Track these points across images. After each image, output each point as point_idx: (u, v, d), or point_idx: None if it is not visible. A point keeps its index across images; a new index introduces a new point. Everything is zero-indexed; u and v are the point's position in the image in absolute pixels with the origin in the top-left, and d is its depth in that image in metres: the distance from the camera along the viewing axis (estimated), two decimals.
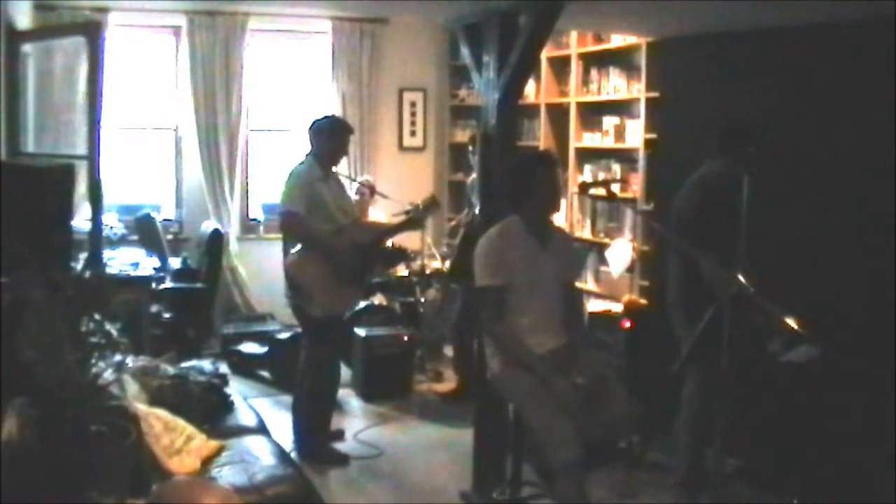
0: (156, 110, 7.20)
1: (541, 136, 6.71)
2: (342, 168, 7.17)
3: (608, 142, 6.17)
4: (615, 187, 4.51)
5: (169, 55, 7.12)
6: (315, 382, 4.69)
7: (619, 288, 5.90)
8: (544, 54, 6.36)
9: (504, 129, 4.20)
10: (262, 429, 3.64)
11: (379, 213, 6.45)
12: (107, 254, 5.45)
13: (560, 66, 6.66)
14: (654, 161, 5.64)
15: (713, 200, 3.94)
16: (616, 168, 6.07)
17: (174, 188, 7.27)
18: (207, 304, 6.50)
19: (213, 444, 3.08)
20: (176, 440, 2.91)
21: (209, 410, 3.53)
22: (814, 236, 4.34)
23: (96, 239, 4.86)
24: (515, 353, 3.51)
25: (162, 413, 3.03)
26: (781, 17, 4.29)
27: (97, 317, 2.15)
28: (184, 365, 3.91)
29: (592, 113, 6.40)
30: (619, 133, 6.07)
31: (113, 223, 6.28)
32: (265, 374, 6.22)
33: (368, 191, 6.16)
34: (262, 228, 7.37)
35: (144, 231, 6.39)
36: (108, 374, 2.15)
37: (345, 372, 5.37)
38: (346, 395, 5.73)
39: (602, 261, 6.08)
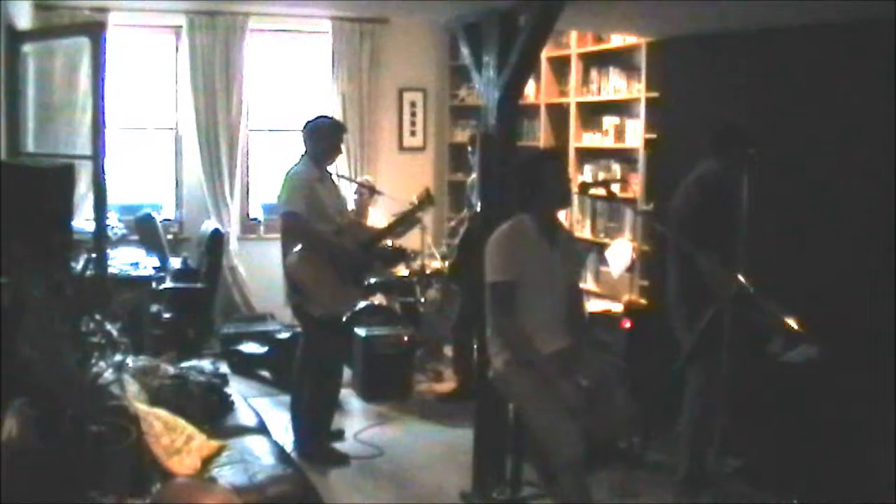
0: (156, 110, 7.20)
1: (541, 136, 6.71)
2: (342, 168, 7.23)
3: (608, 142, 6.17)
4: (615, 187, 4.51)
5: (169, 55, 7.11)
6: (316, 382, 4.69)
7: (619, 288, 5.90)
8: (544, 54, 6.36)
9: (504, 129, 4.20)
10: (262, 429, 3.64)
11: (379, 212, 6.45)
12: (107, 254, 5.44)
13: (560, 66, 6.66)
14: (654, 161, 5.64)
15: (709, 200, 3.94)
16: (616, 168, 6.07)
17: (174, 188, 7.27)
18: (207, 304, 6.50)
19: (214, 444, 3.08)
20: (176, 440, 2.91)
21: (209, 410, 3.53)
22: (814, 236, 4.34)
23: (100, 239, 4.86)
24: (522, 351, 3.50)
25: (162, 413, 3.03)
26: (781, 17, 4.29)
27: (97, 317, 2.15)
28: (184, 365, 3.91)
29: (592, 113, 6.40)
30: (619, 133, 6.07)
31: (113, 223, 6.29)
32: (265, 374, 6.22)
33: (368, 191, 6.17)
34: (262, 228, 7.36)
35: (144, 231, 6.39)
36: (108, 374, 2.16)
37: (345, 372, 5.36)
38: (346, 395, 5.72)
39: (602, 261, 6.08)
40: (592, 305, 5.90)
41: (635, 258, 5.77)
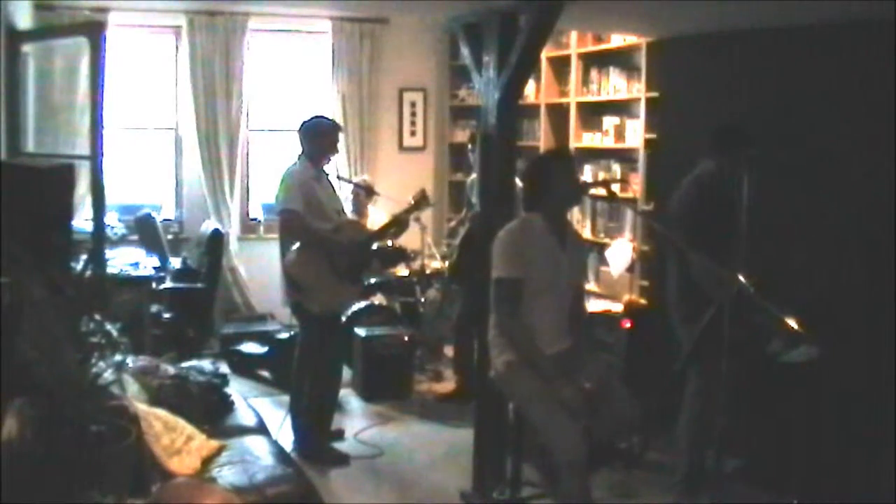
0: (156, 110, 7.20)
1: (541, 136, 6.71)
2: (342, 168, 7.24)
3: (608, 142, 6.17)
4: (615, 187, 4.51)
5: (169, 55, 7.11)
6: (316, 381, 4.69)
7: (619, 288, 5.90)
8: (544, 54, 6.36)
9: (504, 129, 4.20)
10: (262, 429, 3.64)
11: (379, 212, 6.45)
12: (107, 254, 5.45)
13: (560, 66, 6.66)
14: (654, 161, 5.64)
15: (708, 200, 3.94)
16: (616, 168, 6.07)
17: (174, 188, 7.27)
18: (207, 304, 6.50)
19: (213, 444, 3.08)
20: (176, 440, 2.91)
21: (209, 410, 3.53)
22: (814, 236, 4.34)
23: (99, 239, 4.86)
24: (526, 351, 3.50)
25: (162, 413, 3.03)
26: (781, 17, 4.29)
27: (97, 317, 2.15)
28: (184, 365, 3.91)
29: (592, 113, 6.40)
30: (619, 133, 6.07)
31: (113, 223, 6.29)
32: (265, 374, 6.22)
33: (364, 191, 6.18)
34: (262, 228, 7.37)
35: (144, 231, 6.40)
36: (108, 374, 2.16)
37: (345, 372, 5.36)
38: (346, 395, 5.73)
39: (602, 261, 6.08)
40: (592, 305, 5.90)
41: (635, 258, 5.77)
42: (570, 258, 3.64)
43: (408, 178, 7.12)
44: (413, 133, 7.85)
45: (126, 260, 5.86)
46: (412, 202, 5.03)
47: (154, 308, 5.97)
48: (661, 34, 5.38)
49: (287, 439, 4.64)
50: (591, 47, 6.28)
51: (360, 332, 5.88)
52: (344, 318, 5.78)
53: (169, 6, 6.73)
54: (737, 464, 4.37)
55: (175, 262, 6.37)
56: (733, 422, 3.90)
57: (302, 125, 4.69)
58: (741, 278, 3.42)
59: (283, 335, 6.11)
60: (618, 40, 6.00)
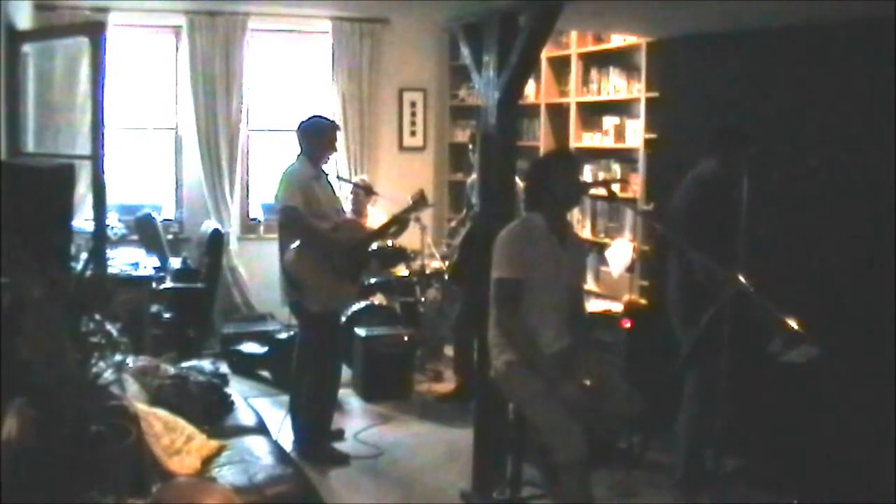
0: (156, 110, 7.20)
1: (541, 136, 6.71)
2: (342, 168, 7.24)
3: (608, 142, 6.17)
4: (615, 187, 4.51)
5: (169, 55, 7.12)
6: (315, 381, 4.70)
7: (619, 288, 5.90)
8: (544, 54, 6.36)
9: (504, 129, 4.20)
10: (262, 429, 3.64)
11: (379, 212, 6.45)
12: (107, 254, 5.45)
13: (560, 66, 6.66)
14: (654, 161, 5.64)
15: (708, 200, 3.94)
16: (616, 168, 6.07)
17: (174, 188, 7.27)
18: (207, 304, 6.50)
19: (213, 444, 3.08)
20: (176, 440, 2.91)
21: (209, 410, 3.53)
22: (814, 236, 4.34)
23: (100, 239, 4.87)
24: (525, 351, 3.50)
25: (162, 413, 3.03)
26: (781, 17, 4.29)
27: (97, 317, 2.15)
28: (184, 365, 3.91)
29: (592, 113, 6.40)
30: (619, 133, 6.07)
31: (113, 223, 6.29)
32: (265, 374, 6.22)
33: (363, 191, 6.18)
34: (262, 228, 7.37)
35: (144, 231, 6.40)
36: (108, 374, 2.16)
37: (345, 372, 5.37)
38: (346, 395, 5.73)
39: (602, 261, 6.08)
40: (592, 305, 5.90)
41: (635, 258, 5.77)
42: (570, 258, 3.64)
43: (408, 178, 7.12)
44: (413, 133, 7.85)
45: (126, 260, 5.86)
46: (411, 202, 5.04)
47: (154, 308, 5.98)
48: (661, 34, 5.38)
49: (287, 439, 4.64)
50: (591, 47, 6.28)
51: (360, 332, 5.88)
52: (344, 318, 5.79)
53: (169, 6, 6.73)
54: (737, 464, 4.37)
55: (175, 262, 6.37)
56: (733, 422, 3.90)
57: (300, 125, 4.71)
58: (741, 278, 3.42)
59: (283, 335, 6.11)
60: (618, 40, 6.00)
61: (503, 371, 3.59)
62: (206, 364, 4.10)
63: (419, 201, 5.03)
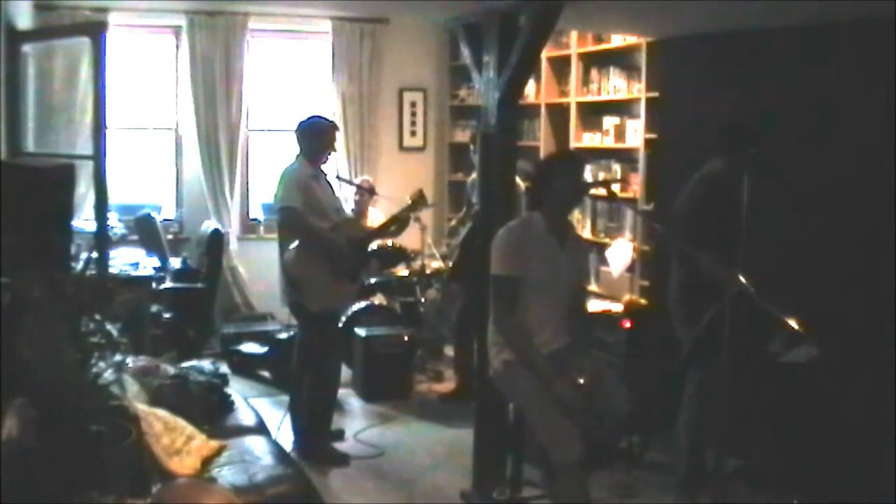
0: (156, 110, 7.20)
1: (541, 136, 6.71)
2: (342, 168, 7.24)
3: (608, 142, 6.17)
4: (615, 187, 4.51)
5: (169, 55, 7.12)
6: (315, 381, 4.70)
7: (619, 288, 5.90)
8: (544, 54, 6.35)
9: (504, 129, 4.20)
10: (262, 429, 3.64)
11: (380, 212, 6.46)
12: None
13: (560, 66, 6.66)
14: (654, 161, 5.64)
15: (715, 200, 3.94)
16: (616, 168, 6.07)
17: (174, 188, 7.28)
18: (207, 304, 6.50)
19: (214, 444, 3.08)
20: (176, 440, 2.91)
21: (209, 410, 3.53)
22: (814, 236, 4.34)
23: (102, 239, 4.87)
24: (521, 349, 3.50)
25: (162, 413, 3.03)
26: (781, 17, 4.29)
27: (97, 317, 2.15)
28: (184, 365, 3.91)
29: (592, 113, 6.40)
30: (619, 133, 6.07)
31: (113, 223, 6.29)
32: (265, 374, 6.22)
33: (367, 191, 6.19)
34: (262, 228, 7.37)
35: (144, 231, 6.39)
36: (108, 374, 2.15)
37: (345, 372, 5.37)
38: (346, 395, 5.73)
39: (602, 261, 6.08)
40: (592, 305, 5.90)
41: (635, 258, 5.77)
42: (570, 258, 3.64)
43: (408, 178, 7.12)
44: (413, 133, 7.85)
45: (126, 260, 5.86)
46: (410, 202, 5.04)
47: (154, 308, 5.98)
48: (661, 34, 5.37)
49: (287, 439, 4.64)
50: (591, 47, 6.28)
51: (360, 332, 5.88)
52: (344, 318, 5.80)
53: (169, 6, 6.73)
54: (737, 464, 4.37)
55: (175, 262, 6.37)
56: (733, 422, 3.90)
57: (299, 125, 4.72)
58: (741, 278, 3.42)
59: (283, 335, 6.11)
60: (618, 40, 6.00)
61: (501, 370, 3.60)
62: (206, 364, 4.10)
63: (418, 201, 5.03)
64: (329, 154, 4.80)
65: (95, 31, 4.92)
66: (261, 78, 7.36)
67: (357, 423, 5.39)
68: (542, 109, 6.71)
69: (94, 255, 4.61)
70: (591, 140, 6.34)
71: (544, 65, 6.65)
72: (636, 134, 5.87)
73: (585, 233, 6.33)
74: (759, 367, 3.90)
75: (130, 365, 3.32)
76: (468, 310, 5.50)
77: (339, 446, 4.90)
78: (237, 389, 4.15)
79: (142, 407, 2.93)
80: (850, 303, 4.14)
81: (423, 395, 5.97)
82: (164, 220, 6.99)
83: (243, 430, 3.50)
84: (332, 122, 4.93)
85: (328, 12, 7.16)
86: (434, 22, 7.18)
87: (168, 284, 6.17)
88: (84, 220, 6.09)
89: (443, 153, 7.95)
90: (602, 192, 4.24)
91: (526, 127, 6.90)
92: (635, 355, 5.02)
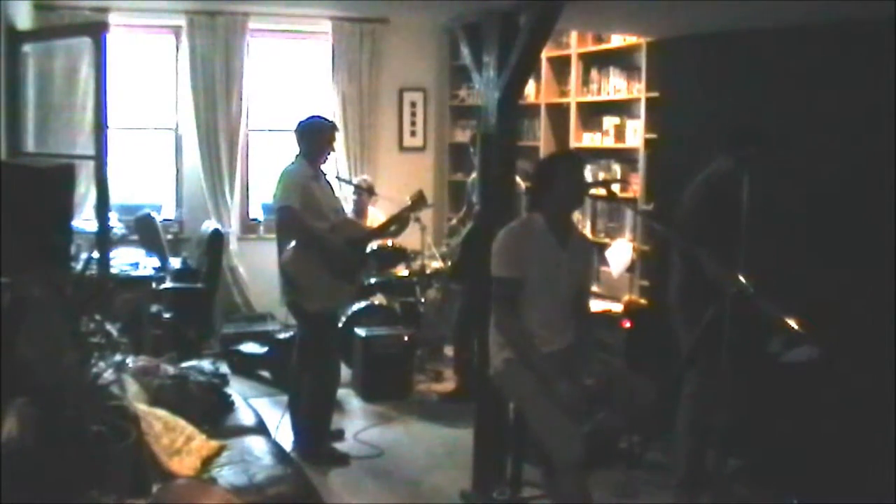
0: (156, 110, 7.20)
1: (541, 136, 6.71)
2: (342, 168, 7.25)
3: (608, 142, 6.17)
4: (615, 187, 4.51)
5: (169, 55, 7.12)
6: (314, 381, 4.70)
7: (619, 288, 5.90)
8: (544, 54, 6.35)
9: (504, 129, 4.20)
10: (262, 429, 3.64)
11: (380, 212, 6.46)
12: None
13: (560, 66, 6.66)
14: (654, 161, 5.64)
15: (719, 200, 3.93)
16: (616, 168, 6.07)
17: (174, 188, 7.27)
18: (207, 304, 6.49)
19: (213, 444, 3.08)
20: (176, 440, 2.91)
21: (209, 410, 3.53)
22: (814, 236, 4.34)
23: (103, 239, 4.87)
24: (522, 350, 3.50)
25: (162, 413, 3.03)
26: (781, 17, 4.29)
27: (97, 317, 2.15)
28: (184, 365, 3.92)
29: (592, 113, 6.40)
30: (619, 133, 6.07)
31: (113, 223, 6.29)
32: (265, 374, 6.22)
33: (366, 191, 6.18)
34: (262, 228, 7.36)
35: (144, 231, 6.39)
36: (108, 374, 2.16)
37: (345, 372, 5.37)
38: (346, 395, 5.73)
39: (602, 261, 6.08)
40: (592, 305, 5.89)
41: (635, 258, 5.77)
42: (572, 259, 3.63)
43: (408, 178, 7.12)
44: (413, 133, 7.85)
45: (126, 260, 5.86)
46: (409, 202, 5.04)
47: (154, 308, 5.98)
48: (661, 34, 5.38)
49: (287, 439, 4.64)
50: (591, 47, 6.28)
51: (360, 332, 5.88)
52: (344, 318, 5.80)
53: (169, 6, 6.72)
54: (737, 464, 4.37)
55: (175, 262, 6.37)
56: (733, 422, 3.90)
57: (299, 125, 4.71)
58: (741, 278, 3.42)
59: (283, 335, 6.11)
60: (618, 40, 6.00)
61: (501, 369, 3.59)
62: (206, 364, 4.11)
63: (418, 201, 5.03)
64: (328, 154, 4.80)
65: (96, 31, 4.93)
66: (261, 78, 7.36)
67: (357, 423, 5.39)
68: (542, 109, 6.71)
69: (96, 254, 4.62)
70: (591, 140, 6.34)
71: (544, 65, 6.65)
72: (636, 134, 5.87)
73: (585, 233, 6.32)
74: (759, 367, 3.90)
75: (130, 365, 3.32)
76: (468, 310, 5.50)
77: (339, 446, 4.90)
78: (237, 389, 4.16)
79: (142, 407, 2.93)
80: (850, 303, 4.14)
81: (423, 395, 5.97)
82: (164, 220, 6.99)
83: (243, 430, 3.50)
84: (331, 122, 4.94)
85: (328, 12, 7.16)
86: (434, 22, 7.18)
87: (168, 284, 6.17)
88: (84, 220, 6.10)
89: (443, 153, 7.95)
90: (602, 192, 4.24)
91: (526, 127, 6.90)
92: (635, 355, 5.02)
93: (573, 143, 6.42)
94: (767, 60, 4.60)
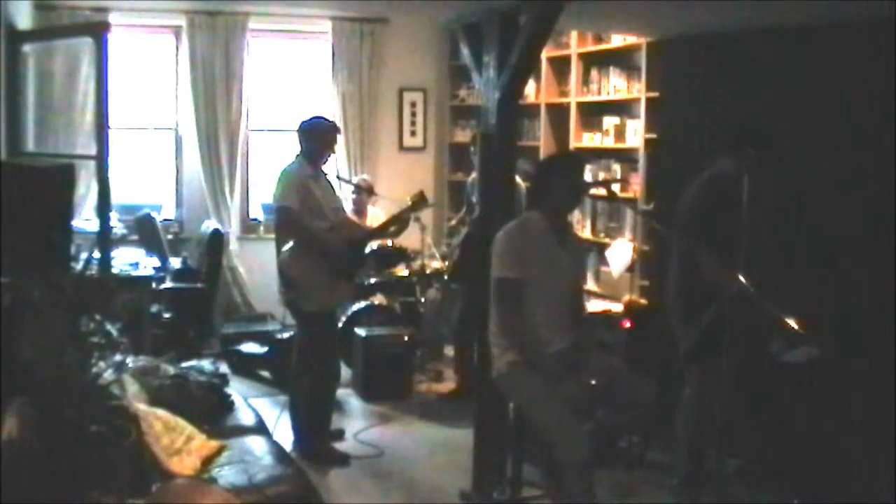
0: (156, 110, 7.21)
1: (541, 136, 6.71)
2: (342, 168, 7.24)
3: (608, 142, 6.17)
4: (615, 187, 4.51)
5: (169, 55, 7.12)
6: (314, 381, 4.70)
7: (619, 288, 5.90)
8: (544, 54, 6.36)
9: (504, 129, 4.20)
10: (262, 429, 3.64)
11: (380, 212, 6.46)
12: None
13: (560, 66, 6.66)
14: (654, 161, 5.64)
15: (719, 200, 3.93)
16: (616, 168, 6.07)
17: (174, 188, 7.28)
18: (207, 304, 6.50)
19: (213, 444, 3.08)
20: (176, 440, 2.91)
21: (209, 410, 3.53)
22: (814, 236, 4.34)
23: (105, 239, 4.87)
24: (527, 350, 3.50)
25: (162, 413, 3.03)
26: (781, 17, 4.29)
27: (97, 317, 2.15)
28: (184, 365, 3.91)
29: (592, 113, 6.40)
30: (619, 133, 6.07)
31: (113, 223, 6.28)
32: (265, 374, 6.22)
33: (365, 190, 6.18)
34: (262, 228, 7.36)
35: (144, 231, 6.39)
36: (108, 374, 2.15)
37: (345, 372, 5.36)
38: (346, 395, 5.73)
39: (602, 261, 6.08)
40: (592, 305, 5.90)
41: (635, 258, 5.77)
42: (570, 258, 3.64)
43: (408, 178, 7.13)
44: (413, 133, 7.85)
45: (126, 260, 5.86)
46: (410, 203, 5.03)
47: (154, 308, 5.97)
48: (661, 34, 5.38)
49: (287, 439, 4.64)
50: (591, 47, 6.28)
51: (360, 332, 5.88)
52: (343, 318, 5.80)
53: (169, 6, 6.73)
54: (737, 464, 4.38)
55: (175, 262, 6.37)
56: (733, 422, 3.90)
57: (301, 124, 4.72)
58: (741, 278, 3.42)
59: (283, 335, 6.11)
60: (618, 40, 6.00)
61: (506, 371, 3.59)
62: (206, 364, 4.10)
63: (419, 202, 5.02)
64: (329, 155, 4.80)
65: (98, 31, 4.93)
66: (261, 78, 7.36)
67: (357, 423, 5.39)
68: (542, 109, 6.71)
69: (97, 254, 4.63)
70: (591, 140, 6.34)
71: (544, 65, 6.65)
72: (636, 134, 5.87)
73: (585, 233, 6.33)
74: (759, 367, 3.90)
75: (130, 365, 3.31)
76: (468, 310, 5.50)
77: (339, 446, 4.90)
78: (237, 389, 4.15)
79: (142, 407, 2.93)
80: (850, 303, 4.14)
81: (423, 395, 5.97)
82: (164, 220, 6.99)
83: (243, 430, 3.49)
84: (333, 123, 4.94)
85: (328, 12, 7.16)
86: (434, 22, 7.18)
87: (168, 284, 6.17)
88: (84, 220, 6.10)
89: (443, 153, 7.95)
90: (602, 192, 4.24)
91: (526, 127, 6.90)
92: (635, 355, 5.02)
93: (573, 143, 6.42)
94: (767, 60, 4.60)
